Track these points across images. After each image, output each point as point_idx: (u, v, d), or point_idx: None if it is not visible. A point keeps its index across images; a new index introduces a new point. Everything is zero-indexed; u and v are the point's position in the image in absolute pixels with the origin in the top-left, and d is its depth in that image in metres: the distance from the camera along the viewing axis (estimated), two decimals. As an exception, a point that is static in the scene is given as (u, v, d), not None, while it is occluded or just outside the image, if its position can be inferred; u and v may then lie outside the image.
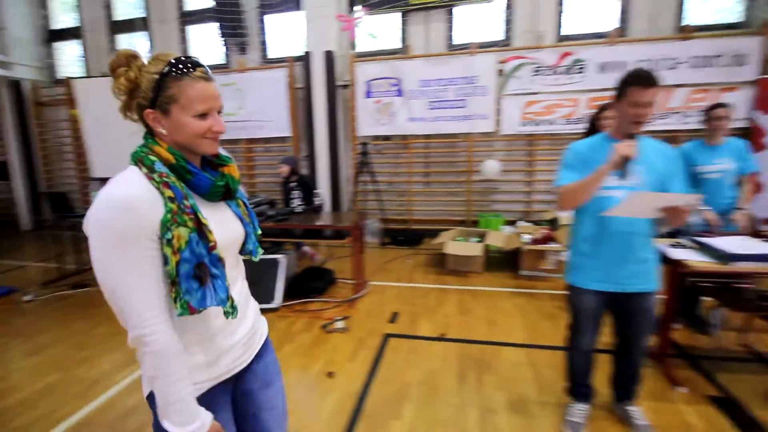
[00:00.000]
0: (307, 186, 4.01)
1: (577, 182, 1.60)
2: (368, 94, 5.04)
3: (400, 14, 5.09)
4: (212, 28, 5.44)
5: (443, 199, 5.24)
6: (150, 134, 0.86)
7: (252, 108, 5.36)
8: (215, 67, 5.68)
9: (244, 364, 0.99)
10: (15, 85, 6.13)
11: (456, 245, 4.03)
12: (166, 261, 0.78)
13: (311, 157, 5.22)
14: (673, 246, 2.19)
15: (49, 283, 4.02)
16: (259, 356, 1.05)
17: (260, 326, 1.08)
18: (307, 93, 5.09)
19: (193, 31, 5.81)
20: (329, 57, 4.93)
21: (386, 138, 5.28)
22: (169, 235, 0.78)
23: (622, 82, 1.56)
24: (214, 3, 5.28)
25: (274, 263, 3.44)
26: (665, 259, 2.10)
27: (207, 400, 0.90)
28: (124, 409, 2.11)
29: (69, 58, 6.50)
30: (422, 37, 5.07)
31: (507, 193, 5.01)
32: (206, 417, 0.85)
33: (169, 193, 0.79)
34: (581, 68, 4.52)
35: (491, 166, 4.63)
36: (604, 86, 4.47)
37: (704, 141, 2.57)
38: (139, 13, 5.87)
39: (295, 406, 2.12)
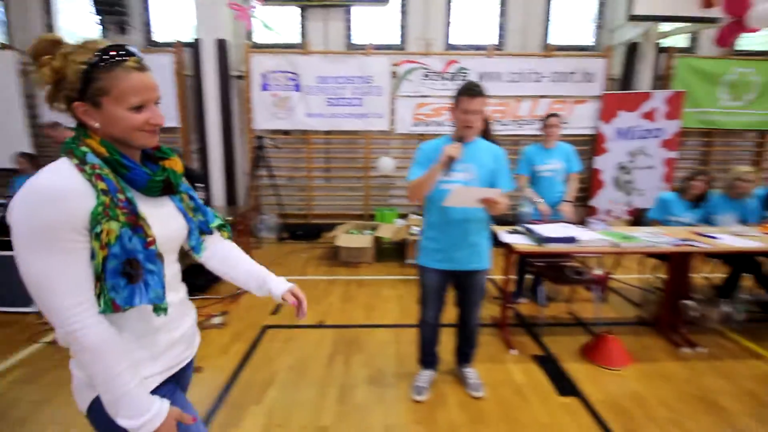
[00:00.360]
0: (193, 179, 3.82)
1: (419, 177, 1.82)
2: (265, 87, 4.94)
3: (299, 9, 5.08)
4: (85, 2, 4.86)
5: (342, 194, 5.36)
6: (81, 126, 0.80)
7: (134, 94, 4.90)
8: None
9: (187, 360, 0.97)
10: None
11: (347, 238, 4.17)
12: (93, 255, 0.74)
13: (203, 150, 4.96)
14: (509, 232, 2.56)
15: None
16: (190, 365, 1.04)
17: (195, 329, 1.05)
18: (197, 82, 4.83)
19: (62, 2, 5.12)
20: (222, 46, 4.73)
21: (286, 132, 5.23)
22: (98, 229, 0.73)
23: (456, 92, 1.80)
24: (85, -26, 4.72)
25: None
26: (499, 243, 2.45)
27: (159, 395, 0.86)
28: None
29: None
30: (321, 34, 5.13)
31: (402, 188, 5.31)
32: (161, 405, 0.80)
33: (102, 185, 0.74)
34: (465, 76, 4.97)
35: (386, 163, 4.86)
36: (483, 93, 4.97)
37: (541, 144, 3.02)
38: (-12, -25, 5.00)
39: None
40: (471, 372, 2.17)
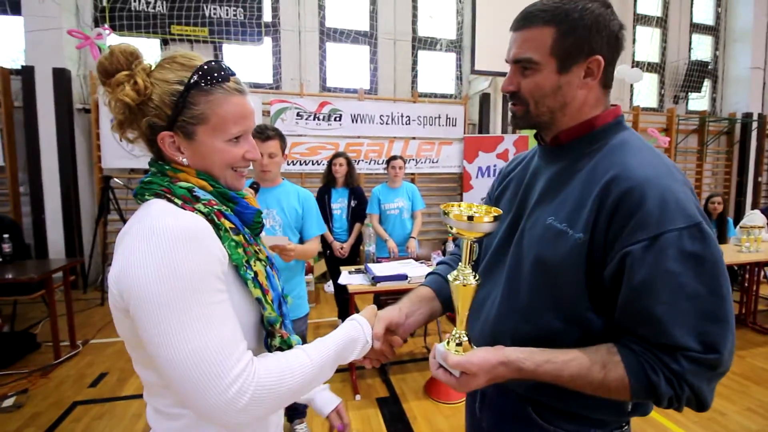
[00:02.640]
0: (6, 228, 3.19)
1: None
2: (117, 122, 4.48)
3: (160, 42, 4.81)
4: None
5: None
6: (160, 161, 0.65)
7: (-63, 126, 4.06)
8: None
9: None
10: None
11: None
12: (262, 304, 0.64)
13: (36, 193, 4.25)
14: (350, 272, 2.56)
15: None
16: None
17: None
18: (29, 114, 4.19)
19: None
20: (61, 75, 4.21)
21: (146, 172, 4.76)
22: (249, 274, 0.63)
23: None
24: None
25: None
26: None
27: None
28: None
29: None
30: (187, 70, 4.88)
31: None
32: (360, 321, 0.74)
33: (228, 223, 0.62)
34: (339, 117, 5.12)
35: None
36: (358, 134, 5.17)
37: (387, 184, 3.16)
38: None
39: None
40: (301, 428, 2.03)
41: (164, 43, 4.82)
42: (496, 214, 0.63)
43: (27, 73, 4.14)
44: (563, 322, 0.65)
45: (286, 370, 0.60)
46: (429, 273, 0.97)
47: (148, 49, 4.76)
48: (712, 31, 7.03)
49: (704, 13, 7.00)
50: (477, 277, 0.66)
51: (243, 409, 0.54)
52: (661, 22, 6.61)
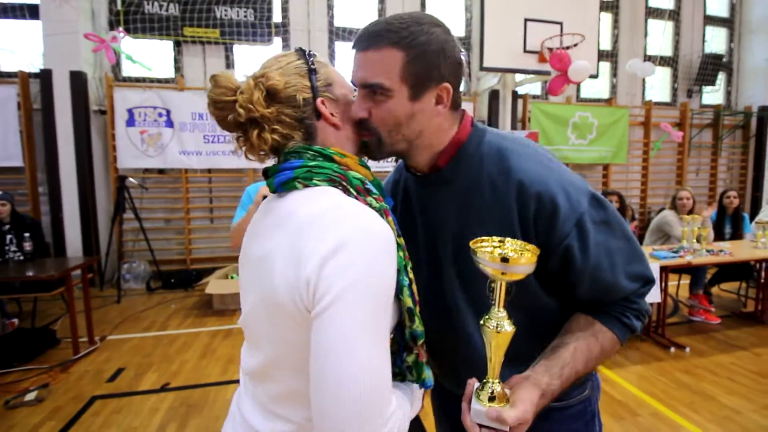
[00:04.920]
0: (27, 227, 3.29)
1: (239, 220, 1.77)
2: (131, 123, 4.57)
3: (172, 43, 4.88)
4: None
5: (226, 235, 5.06)
6: (306, 145, 0.62)
7: (-40, 129, 4.20)
8: None
9: None
10: None
11: (218, 284, 3.89)
12: (410, 317, 0.58)
13: (54, 193, 4.36)
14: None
15: None
16: None
17: None
18: (47, 116, 4.30)
19: None
20: (78, 78, 4.31)
21: (161, 171, 4.86)
22: (406, 280, 0.58)
23: None
24: None
25: (-57, 330, 2.64)
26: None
27: None
28: None
29: None
30: (199, 70, 4.96)
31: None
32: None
33: (391, 222, 0.59)
34: (347, 115, 5.14)
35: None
36: (366, 132, 5.20)
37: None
38: None
39: None
40: None
41: (177, 44, 4.90)
42: (534, 252, 0.59)
43: (45, 76, 4.24)
44: (529, 317, 0.70)
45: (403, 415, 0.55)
46: None
47: (161, 51, 4.87)
48: (726, 23, 6.88)
49: (718, 5, 6.85)
50: (512, 322, 0.60)
51: None
52: (674, 15, 6.49)
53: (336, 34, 5.33)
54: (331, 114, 0.64)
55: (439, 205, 0.74)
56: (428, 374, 0.61)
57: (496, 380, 0.60)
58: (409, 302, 0.58)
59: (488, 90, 5.58)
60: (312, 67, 0.64)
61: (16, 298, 3.61)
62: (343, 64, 5.43)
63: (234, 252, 4.54)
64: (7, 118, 4.28)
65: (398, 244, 0.58)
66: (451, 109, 0.69)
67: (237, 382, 2.64)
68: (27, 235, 3.07)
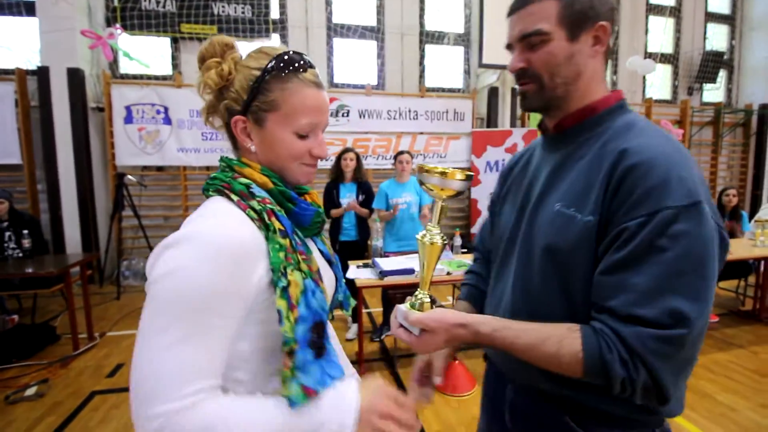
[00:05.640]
0: (26, 224, 3.29)
1: None
2: (129, 120, 4.56)
3: (170, 40, 4.87)
4: None
5: (225, 232, 5.07)
6: (235, 149, 0.67)
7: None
8: None
9: None
10: None
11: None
12: (280, 320, 0.55)
13: (53, 190, 4.36)
14: (358, 266, 2.59)
15: None
16: None
17: None
18: (45, 113, 4.29)
19: None
20: (75, 75, 4.30)
21: (159, 169, 4.85)
22: (283, 282, 0.56)
23: None
24: None
25: (-59, 326, 2.65)
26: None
27: None
28: None
29: None
30: (196, 66, 4.93)
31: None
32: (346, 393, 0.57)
33: (277, 224, 0.59)
34: (347, 113, 5.14)
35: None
36: (365, 129, 5.19)
37: (395, 179, 3.17)
38: None
39: None
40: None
41: (174, 41, 4.88)
42: (469, 173, 0.65)
43: (42, 74, 4.23)
44: (576, 309, 0.63)
45: (207, 426, 0.50)
46: (462, 284, 0.95)
47: (159, 48, 4.85)
48: (728, 20, 6.85)
49: (719, 2, 6.82)
50: (444, 238, 0.68)
51: None
52: (675, 12, 6.47)
53: (334, 30, 5.31)
54: (248, 137, 0.64)
55: (544, 168, 0.73)
56: (294, 390, 0.54)
57: (426, 292, 0.68)
58: (280, 304, 0.55)
59: (487, 87, 5.57)
60: (262, 84, 0.61)
61: (15, 295, 3.62)
62: (342, 61, 5.42)
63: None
64: (5, 116, 4.27)
65: (279, 246, 0.58)
66: (605, 57, 0.69)
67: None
68: (26, 232, 3.07)
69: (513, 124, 5.61)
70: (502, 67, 5.10)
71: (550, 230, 0.66)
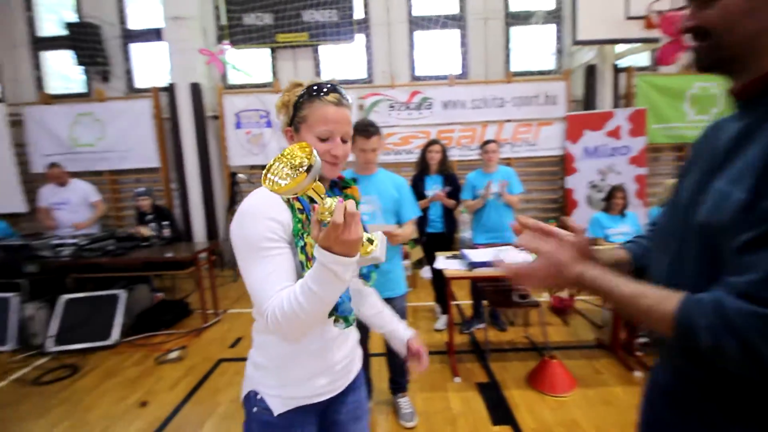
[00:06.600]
0: (166, 217, 3.98)
1: None
2: (238, 125, 5.17)
3: (269, 50, 5.37)
4: (69, 56, 5.21)
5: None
6: None
7: (113, 139, 5.18)
8: (71, 96, 5.41)
9: (338, 391, 0.99)
10: None
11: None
12: (302, 266, 0.84)
13: (182, 188, 5.16)
14: (447, 257, 2.62)
15: None
16: (352, 388, 1.04)
17: (356, 356, 1.07)
18: (174, 124, 5.07)
19: (50, 57, 5.50)
20: (196, 89, 5.00)
21: (263, 167, 5.41)
22: (301, 243, 0.84)
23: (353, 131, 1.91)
24: (68, 31, 5.08)
25: (113, 299, 3.34)
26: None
27: (291, 419, 0.93)
28: None
29: None
30: (291, 73, 5.39)
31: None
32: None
33: (298, 205, 0.86)
34: (429, 105, 5.15)
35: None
36: (448, 120, 5.15)
37: (482, 169, 3.12)
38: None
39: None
40: (404, 401, 2.18)
41: (272, 51, 5.37)
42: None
43: (171, 90, 5.00)
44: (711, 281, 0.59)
45: (277, 307, 0.78)
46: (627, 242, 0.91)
47: (260, 58, 5.37)
48: None
49: None
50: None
51: (271, 326, 0.79)
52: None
53: (415, 23, 5.33)
54: (291, 141, 0.92)
55: (723, 139, 0.66)
56: None
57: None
58: (301, 257, 0.84)
59: (583, 66, 5.11)
60: (298, 104, 0.90)
61: (159, 275, 4.38)
62: (424, 54, 5.43)
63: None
64: (145, 127, 5.15)
65: (298, 219, 0.85)
66: None
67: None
68: (166, 223, 3.71)
69: (616, 105, 5.08)
70: (602, 42, 4.63)
71: (709, 207, 0.61)
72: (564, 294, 3.27)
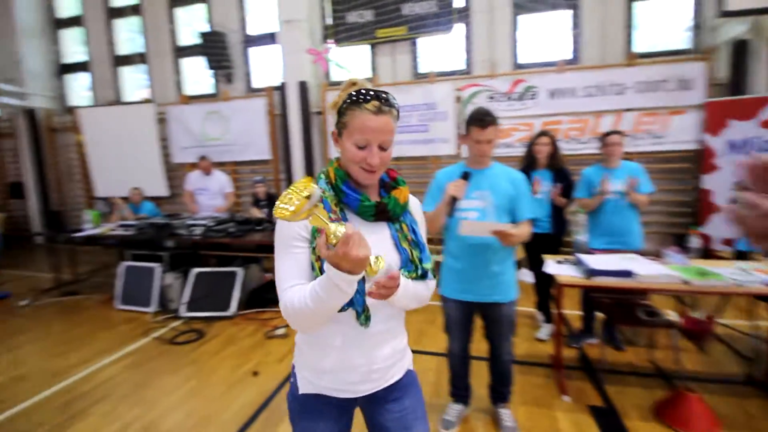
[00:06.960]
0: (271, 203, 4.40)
1: (432, 210, 1.80)
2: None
3: (369, 46, 5.50)
4: (202, 61, 5.97)
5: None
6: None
7: (235, 133, 5.84)
8: (203, 97, 6.20)
9: (362, 393, 1.00)
10: (30, 113, 6.79)
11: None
12: (313, 267, 0.90)
13: (289, 179, 5.61)
14: (558, 262, 2.41)
15: (47, 291, 4.46)
16: (397, 397, 1.04)
17: (395, 364, 1.04)
18: (284, 120, 5.51)
19: (187, 63, 6.37)
20: (303, 87, 5.35)
21: (359, 160, 5.62)
22: (314, 244, 0.89)
23: (467, 121, 1.82)
24: (201, 39, 5.82)
25: (232, 275, 3.79)
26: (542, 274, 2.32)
27: (311, 402, 1.00)
28: (76, 394, 2.46)
29: (79, 88, 7.19)
30: (389, 67, 5.46)
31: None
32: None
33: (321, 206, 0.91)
34: (533, 95, 4.79)
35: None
36: (555, 111, 4.73)
37: (602, 165, 2.79)
38: (138, 48, 6.50)
39: (213, 397, 2.42)
40: (506, 413, 2.06)
41: (372, 47, 5.49)
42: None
43: (282, 89, 5.43)
44: None
45: (289, 300, 0.87)
46: None
47: (360, 55, 5.54)
48: None
49: None
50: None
51: (284, 315, 0.89)
52: None
53: (520, 7, 4.97)
54: (336, 144, 0.97)
55: None
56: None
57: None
58: (312, 258, 0.90)
59: (730, 42, 4.26)
60: (343, 109, 0.92)
61: (268, 257, 4.84)
62: (528, 40, 5.05)
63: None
64: (261, 123, 5.70)
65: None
66: None
67: (427, 353, 2.86)
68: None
69: (775, 87, 4.15)
70: (758, 12, 3.81)
71: None
72: (700, 315, 2.78)
